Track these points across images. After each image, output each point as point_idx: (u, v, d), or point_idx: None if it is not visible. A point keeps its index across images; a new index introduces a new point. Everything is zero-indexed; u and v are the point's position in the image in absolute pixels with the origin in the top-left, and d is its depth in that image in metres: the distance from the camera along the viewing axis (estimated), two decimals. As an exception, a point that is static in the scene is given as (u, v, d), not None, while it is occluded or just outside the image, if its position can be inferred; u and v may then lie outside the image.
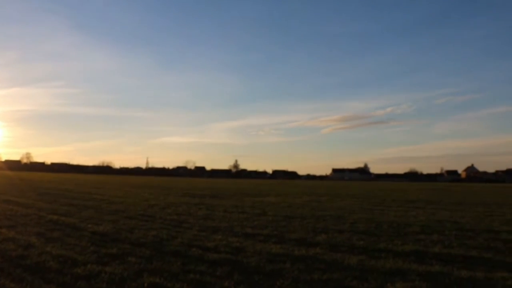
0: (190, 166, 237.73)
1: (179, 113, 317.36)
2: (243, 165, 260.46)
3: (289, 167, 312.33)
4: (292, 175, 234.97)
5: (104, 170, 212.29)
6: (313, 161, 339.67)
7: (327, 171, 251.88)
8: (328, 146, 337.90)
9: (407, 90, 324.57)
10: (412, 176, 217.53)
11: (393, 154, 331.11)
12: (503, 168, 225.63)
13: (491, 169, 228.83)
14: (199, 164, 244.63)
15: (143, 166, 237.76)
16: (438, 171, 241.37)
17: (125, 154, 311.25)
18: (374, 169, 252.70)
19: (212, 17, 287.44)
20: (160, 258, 8.86)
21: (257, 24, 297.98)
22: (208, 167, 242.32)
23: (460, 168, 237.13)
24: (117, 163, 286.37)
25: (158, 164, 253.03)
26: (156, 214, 17.36)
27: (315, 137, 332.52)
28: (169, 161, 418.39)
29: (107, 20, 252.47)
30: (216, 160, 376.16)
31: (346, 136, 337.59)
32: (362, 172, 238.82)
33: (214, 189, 43.35)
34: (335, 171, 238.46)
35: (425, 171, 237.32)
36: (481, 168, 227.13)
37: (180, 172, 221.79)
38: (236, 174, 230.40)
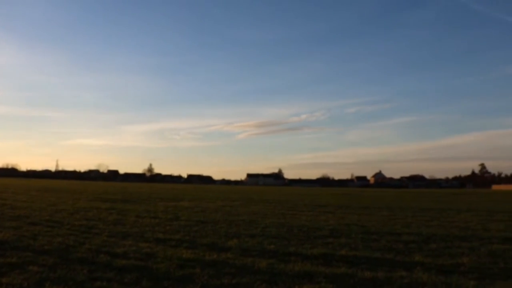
0: (103, 169, 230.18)
1: (93, 114, 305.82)
2: (157, 169, 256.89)
3: (204, 172, 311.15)
4: (207, 179, 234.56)
5: (9, 172, 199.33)
6: (229, 166, 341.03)
7: (242, 176, 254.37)
8: (244, 151, 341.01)
9: (322, 98, 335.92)
10: (324, 182, 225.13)
11: (306, 160, 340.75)
12: (407, 174, 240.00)
13: (396, 175, 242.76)
14: (112, 167, 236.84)
15: (53, 169, 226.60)
16: (348, 176, 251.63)
17: (33, 156, 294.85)
18: (288, 174, 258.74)
19: (130, 18, 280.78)
20: (65, 266, 8.50)
21: (176, 27, 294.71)
22: (121, 171, 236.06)
23: (369, 174, 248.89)
24: (24, 166, 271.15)
25: (69, 167, 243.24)
26: (63, 219, 16.62)
27: (231, 142, 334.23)
28: (81, 164, 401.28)
29: (17, 14, 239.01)
30: (130, 163, 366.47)
31: (261, 142, 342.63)
32: (276, 177, 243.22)
33: (126, 194, 42.22)
34: (250, 176, 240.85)
35: (336, 177, 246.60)
36: (388, 174, 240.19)
37: (92, 175, 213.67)
38: (151, 178, 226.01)
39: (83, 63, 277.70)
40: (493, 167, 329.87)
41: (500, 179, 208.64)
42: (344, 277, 8.15)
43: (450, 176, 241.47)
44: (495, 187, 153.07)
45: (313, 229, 15.54)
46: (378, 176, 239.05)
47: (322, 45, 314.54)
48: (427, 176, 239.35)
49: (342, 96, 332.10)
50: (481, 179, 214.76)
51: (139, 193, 44.56)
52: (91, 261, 9.04)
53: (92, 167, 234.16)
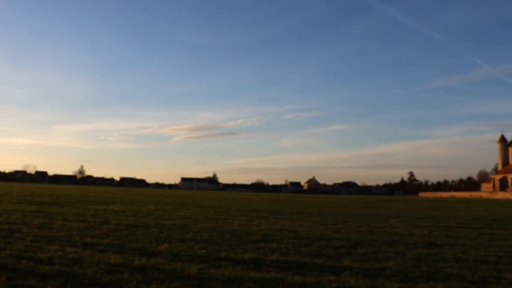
0: (30, 170, 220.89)
1: (20, 112, 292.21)
2: (89, 171, 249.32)
3: (138, 175, 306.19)
4: (140, 183, 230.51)
5: None
6: (163, 169, 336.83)
7: (176, 179, 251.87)
8: (178, 155, 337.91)
9: (258, 104, 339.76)
10: (259, 187, 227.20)
11: (241, 165, 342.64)
12: (340, 181, 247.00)
13: (329, 181, 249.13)
14: (41, 168, 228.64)
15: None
16: (283, 182, 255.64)
17: None
18: (223, 179, 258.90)
19: (67, 14, 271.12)
20: (-19, 272, 8.06)
21: (111, 28, 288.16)
22: (50, 172, 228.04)
23: (303, 180, 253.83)
24: None
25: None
26: (-20, 223, 15.74)
27: (165, 145, 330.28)
28: (6, 165, 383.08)
29: None
30: (60, 164, 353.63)
31: (196, 146, 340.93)
32: (211, 181, 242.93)
33: (55, 196, 40.55)
34: (184, 180, 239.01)
35: (271, 182, 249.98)
36: (321, 180, 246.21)
37: (18, 176, 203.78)
38: (82, 180, 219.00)
39: (8, 58, 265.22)
40: (421, 175, 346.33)
41: (427, 186, 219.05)
42: (274, 282, 8.26)
43: (381, 183, 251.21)
44: (422, 194, 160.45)
45: (245, 234, 15.62)
46: (312, 182, 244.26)
47: (260, 53, 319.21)
48: (359, 183, 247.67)
49: (278, 103, 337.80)
50: (409, 187, 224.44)
51: (68, 196, 43.00)
52: (11, 268, 8.63)
53: (19, 167, 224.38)
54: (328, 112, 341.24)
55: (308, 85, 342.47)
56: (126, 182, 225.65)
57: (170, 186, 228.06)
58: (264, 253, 11.47)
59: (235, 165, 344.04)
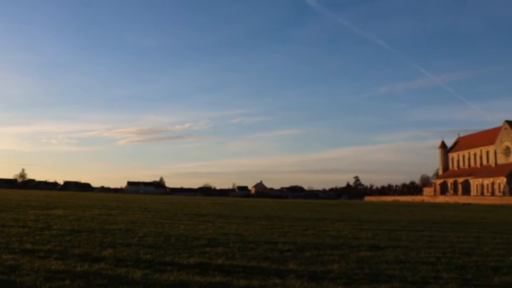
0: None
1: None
2: (31, 175, 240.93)
3: (82, 179, 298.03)
4: (85, 187, 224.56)
5: None
6: (108, 173, 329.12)
7: (122, 183, 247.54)
8: (124, 158, 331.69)
9: (206, 108, 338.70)
10: (206, 191, 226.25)
11: (189, 169, 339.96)
12: (287, 185, 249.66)
13: (277, 185, 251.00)
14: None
15: None
16: (230, 186, 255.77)
17: None
18: (170, 183, 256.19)
19: (7, 10, 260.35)
20: None
21: (58, 24, 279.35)
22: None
23: (250, 184, 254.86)
24: None
25: None
26: None
27: (111, 148, 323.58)
28: None
29: None
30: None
31: (143, 149, 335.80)
32: (158, 185, 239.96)
33: (-11, 201, 38.83)
34: (130, 184, 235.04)
35: (218, 186, 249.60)
36: (268, 184, 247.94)
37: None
38: (23, 184, 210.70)
39: None
40: (366, 180, 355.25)
41: (372, 190, 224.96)
42: (219, 286, 8.27)
43: (327, 187, 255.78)
44: (367, 198, 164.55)
45: (191, 238, 15.54)
46: (259, 186, 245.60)
47: (209, 55, 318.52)
48: (306, 187, 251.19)
49: (226, 107, 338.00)
50: (355, 191, 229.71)
51: (8, 200, 41.30)
52: None
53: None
54: (275, 117, 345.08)
55: (256, 90, 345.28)
56: (70, 186, 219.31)
57: (116, 190, 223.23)
58: (210, 257, 11.45)
59: (182, 169, 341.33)
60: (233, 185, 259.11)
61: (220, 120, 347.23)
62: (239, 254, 12.19)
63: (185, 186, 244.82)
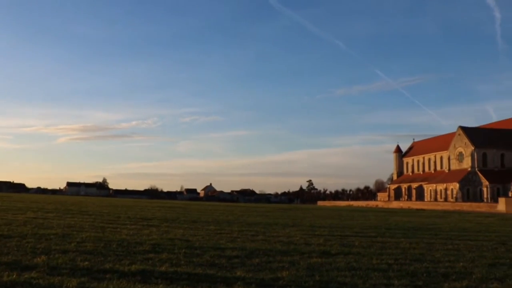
0: None
1: None
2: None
3: (16, 179, 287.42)
4: (19, 187, 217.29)
5: None
6: (46, 172, 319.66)
7: (61, 184, 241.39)
8: (65, 157, 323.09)
9: (155, 105, 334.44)
10: (152, 193, 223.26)
11: (134, 169, 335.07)
12: (238, 188, 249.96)
13: (227, 188, 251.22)
14: None
15: None
16: (178, 189, 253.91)
17: None
18: (113, 184, 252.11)
19: None
20: None
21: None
22: None
23: (199, 187, 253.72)
24: None
25: None
26: None
27: (50, 146, 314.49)
28: None
29: None
30: None
31: (85, 148, 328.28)
32: (100, 187, 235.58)
33: None
34: (70, 184, 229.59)
35: (165, 189, 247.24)
36: (218, 187, 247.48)
37: None
38: None
39: None
40: (320, 184, 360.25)
41: (325, 195, 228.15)
42: (162, 295, 8.14)
43: (280, 191, 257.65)
44: (320, 203, 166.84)
45: (133, 243, 15.30)
46: (209, 189, 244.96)
47: (161, 49, 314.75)
48: (257, 190, 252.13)
49: (176, 105, 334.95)
50: (308, 195, 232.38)
51: None
52: None
53: None
54: (228, 117, 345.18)
55: (208, 88, 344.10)
56: (2, 186, 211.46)
57: (54, 192, 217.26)
58: (153, 264, 11.29)
59: (128, 170, 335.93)
60: (181, 187, 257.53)
61: (170, 119, 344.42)
62: (185, 261, 12.08)
63: (130, 188, 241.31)
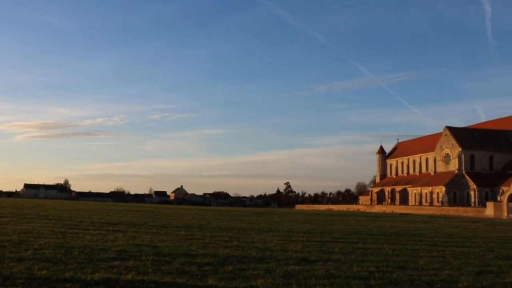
0: None
1: None
2: None
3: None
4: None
5: None
6: (1, 173, 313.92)
7: (18, 186, 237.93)
8: (22, 156, 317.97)
9: (122, 101, 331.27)
10: (119, 196, 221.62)
11: (99, 170, 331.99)
12: (211, 190, 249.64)
13: (199, 191, 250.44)
14: None
15: None
16: (146, 191, 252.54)
17: None
18: (76, 186, 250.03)
19: None
20: None
21: None
22: None
23: (169, 189, 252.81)
24: None
25: None
26: None
27: (5, 144, 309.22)
28: None
29: None
30: None
31: (45, 146, 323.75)
32: (61, 189, 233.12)
33: None
34: (27, 186, 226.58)
35: (133, 191, 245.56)
36: (190, 190, 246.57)
37: None
38: None
39: None
40: (298, 186, 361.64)
41: (304, 198, 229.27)
42: (127, 305, 8.10)
43: (256, 194, 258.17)
44: (298, 206, 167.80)
45: (97, 250, 15.20)
46: (179, 191, 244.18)
47: (131, 40, 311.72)
48: (231, 193, 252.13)
49: (144, 101, 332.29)
50: (285, 198, 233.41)
51: None
52: None
53: None
54: (201, 115, 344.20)
55: (179, 83, 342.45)
56: None
57: (10, 194, 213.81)
58: (118, 272, 11.23)
59: (92, 171, 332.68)
60: (150, 190, 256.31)
61: (138, 116, 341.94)
62: (152, 269, 12.05)
63: (94, 190, 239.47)
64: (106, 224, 28.65)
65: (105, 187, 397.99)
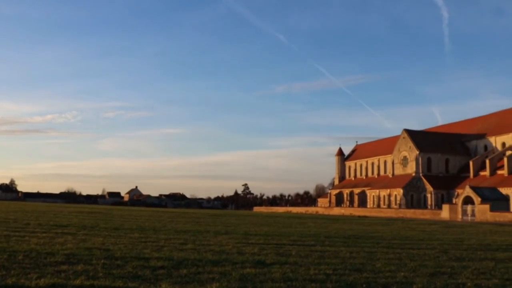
0: None
1: None
2: None
3: None
4: None
5: None
6: None
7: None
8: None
9: (75, 97, 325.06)
10: (69, 197, 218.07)
11: (49, 170, 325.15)
12: (167, 192, 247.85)
13: (155, 192, 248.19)
14: None
15: None
16: (99, 192, 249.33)
17: None
18: (23, 186, 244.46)
19: None
20: None
21: None
22: None
23: (124, 190, 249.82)
24: None
25: None
26: None
27: None
28: None
29: None
30: None
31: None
32: (7, 189, 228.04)
33: None
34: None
35: (85, 192, 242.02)
36: (145, 191, 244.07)
37: None
38: None
39: None
40: (256, 188, 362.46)
41: (262, 200, 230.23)
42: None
43: (213, 195, 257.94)
44: (256, 208, 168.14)
45: (44, 254, 14.86)
46: (134, 192, 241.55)
47: (84, 33, 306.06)
48: (188, 194, 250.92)
49: (100, 97, 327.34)
50: (243, 200, 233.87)
51: None
52: None
53: None
54: (157, 113, 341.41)
55: (135, 80, 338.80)
56: None
57: None
58: (66, 277, 10.99)
59: (41, 170, 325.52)
60: (103, 190, 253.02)
61: (92, 113, 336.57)
62: (103, 273, 11.85)
63: (43, 190, 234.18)
64: (55, 227, 28.10)
65: (55, 188, 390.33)
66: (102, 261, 13.85)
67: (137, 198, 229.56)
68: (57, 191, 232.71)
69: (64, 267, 12.53)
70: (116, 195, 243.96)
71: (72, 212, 54.38)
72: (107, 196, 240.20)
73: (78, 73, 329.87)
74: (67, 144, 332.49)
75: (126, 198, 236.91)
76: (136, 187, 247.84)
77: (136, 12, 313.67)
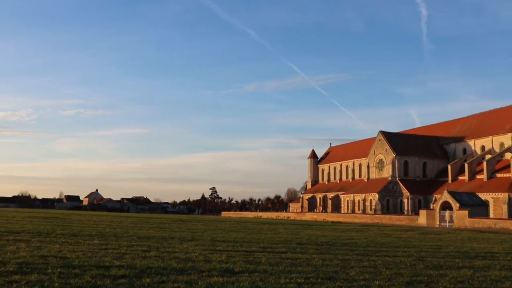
0: None
1: None
2: None
3: None
4: None
5: None
6: None
7: None
8: None
9: (30, 93, 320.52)
10: (23, 201, 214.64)
11: (1, 171, 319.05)
12: (129, 195, 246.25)
13: (116, 196, 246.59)
14: None
15: None
16: (56, 195, 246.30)
17: None
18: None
19: None
20: None
21: None
22: None
23: (83, 194, 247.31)
24: None
25: None
26: None
27: None
28: None
29: None
30: None
31: None
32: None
33: None
34: None
35: (40, 195, 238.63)
36: (105, 194, 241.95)
37: None
38: None
39: None
40: (225, 192, 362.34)
41: (230, 205, 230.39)
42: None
43: (178, 199, 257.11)
44: (225, 213, 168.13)
45: (-6, 263, 14.59)
46: (94, 196, 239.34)
47: (38, 27, 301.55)
48: (152, 198, 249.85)
49: (57, 94, 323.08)
50: (211, 205, 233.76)
51: None
52: None
53: None
54: (119, 112, 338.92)
55: (95, 76, 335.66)
56: None
57: None
58: (19, 288, 10.81)
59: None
60: (61, 194, 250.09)
61: (48, 111, 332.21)
62: (59, 283, 11.74)
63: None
64: (6, 233, 27.59)
65: (8, 191, 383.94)
66: (58, 270, 13.67)
67: (97, 202, 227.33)
68: (9, 195, 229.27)
69: (16, 277, 12.33)
70: (75, 198, 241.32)
71: (26, 217, 53.50)
72: (65, 200, 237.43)
73: (35, 67, 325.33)
74: (21, 144, 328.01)
75: (86, 202, 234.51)
76: (97, 190, 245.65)
77: (96, 3, 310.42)
